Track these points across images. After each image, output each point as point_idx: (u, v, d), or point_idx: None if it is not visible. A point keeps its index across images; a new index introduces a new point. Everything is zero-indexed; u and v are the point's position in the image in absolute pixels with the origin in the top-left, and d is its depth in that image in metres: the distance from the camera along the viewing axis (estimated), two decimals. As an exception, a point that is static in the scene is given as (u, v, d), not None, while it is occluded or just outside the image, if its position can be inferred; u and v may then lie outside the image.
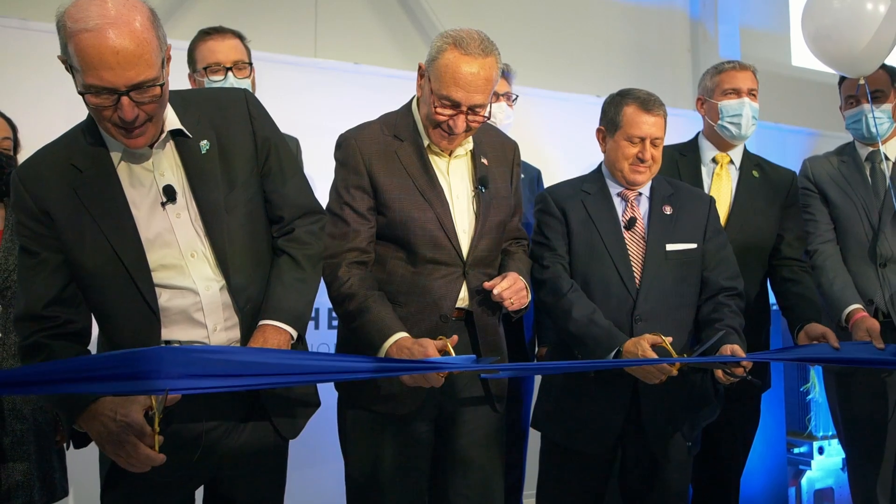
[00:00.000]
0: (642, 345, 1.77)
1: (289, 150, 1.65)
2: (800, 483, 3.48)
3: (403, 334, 1.64)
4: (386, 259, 1.79)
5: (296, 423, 1.63)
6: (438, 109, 1.70)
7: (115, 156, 1.46)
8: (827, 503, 3.48)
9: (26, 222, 1.45)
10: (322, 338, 3.10)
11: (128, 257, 1.43)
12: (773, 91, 5.23)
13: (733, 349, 1.81)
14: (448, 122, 1.70)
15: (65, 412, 1.42)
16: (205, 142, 1.50)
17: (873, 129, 2.31)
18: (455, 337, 1.63)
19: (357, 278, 1.72)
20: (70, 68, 1.34)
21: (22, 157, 2.05)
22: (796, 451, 3.52)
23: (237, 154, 1.53)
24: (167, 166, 1.48)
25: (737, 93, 2.33)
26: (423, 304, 1.75)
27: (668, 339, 1.76)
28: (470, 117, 1.70)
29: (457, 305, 1.78)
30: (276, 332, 1.50)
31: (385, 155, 1.78)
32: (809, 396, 3.50)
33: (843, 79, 2.42)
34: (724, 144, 2.39)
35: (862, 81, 2.28)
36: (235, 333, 1.52)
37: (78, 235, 1.44)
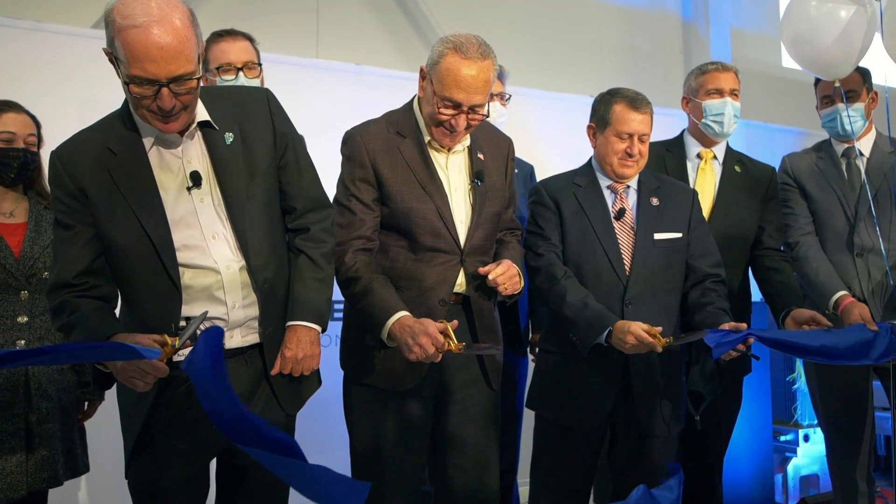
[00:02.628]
0: (631, 325, 1.88)
1: (304, 146, 1.77)
2: (786, 470, 3.58)
3: (405, 313, 1.75)
4: (389, 247, 1.90)
5: (298, 400, 1.75)
6: (441, 110, 1.81)
7: (148, 141, 1.57)
8: (812, 489, 3.58)
9: (63, 198, 1.56)
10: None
11: (155, 235, 1.54)
12: (763, 91, 5.34)
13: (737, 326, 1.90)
14: (450, 122, 1.82)
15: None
16: (229, 134, 1.62)
17: (848, 128, 2.42)
18: (455, 322, 1.73)
19: (362, 263, 1.83)
20: (114, 60, 1.46)
21: (44, 153, 2.15)
22: (782, 438, 3.62)
23: (258, 147, 1.65)
24: (194, 154, 1.60)
25: (719, 93, 2.44)
26: (423, 289, 1.86)
27: (658, 329, 1.87)
28: (470, 116, 1.82)
29: (455, 291, 1.89)
30: (306, 331, 1.66)
31: (388, 150, 1.89)
32: (795, 386, 3.61)
33: (818, 80, 2.52)
34: (707, 141, 2.50)
35: (837, 84, 2.39)
36: (253, 311, 1.63)
37: (110, 212, 1.55)
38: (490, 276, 1.83)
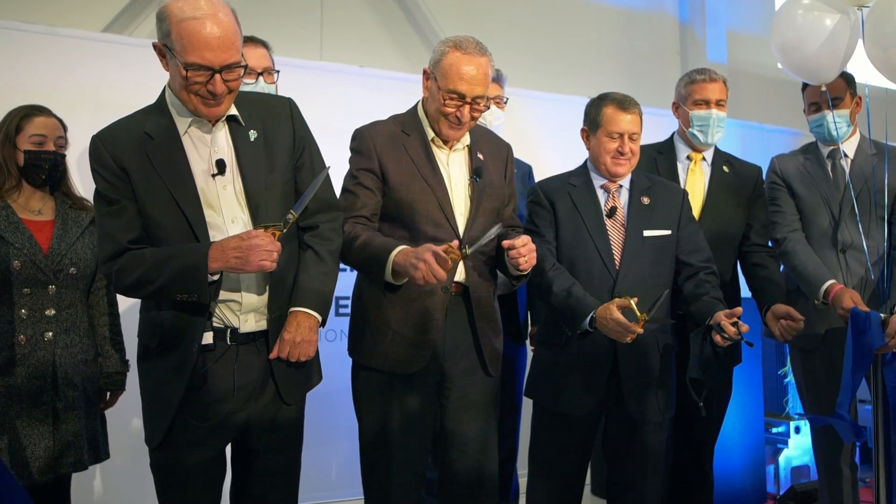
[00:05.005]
0: (610, 308, 1.99)
1: (319, 151, 1.91)
2: (777, 461, 3.67)
3: (405, 246, 1.86)
4: (392, 238, 1.99)
5: (298, 391, 1.85)
6: (447, 103, 1.96)
7: (181, 129, 1.71)
8: (803, 479, 3.68)
9: (106, 176, 1.68)
10: (330, 325, 3.31)
11: (188, 210, 1.67)
12: (758, 92, 5.42)
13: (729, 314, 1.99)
14: (456, 114, 1.96)
15: (195, 266, 1.62)
16: (253, 132, 1.76)
17: (833, 133, 2.53)
18: (455, 241, 1.83)
19: (361, 227, 1.96)
20: (167, 51, 1.62)
21: (70, 155, 2.26)
22: (774, 430, 3.71)
23: (278, 145, 1.79)
24: (221, 145, 1.74)
25: (706, 104, 2.56)
26: None
27: (634, 300, 1.97)
28: (473, 107, 1.97)
29: (455, 279, 2.00)
30: (306, 318, 1.77)
31: (394, 146, 2.01)
32: (786, 379, 3.70)
33: (805, 86, 2.63)
34: (695, 145, 2.62)
35: (823, 88, 2.51)
36: (264, 296, 1.75)
37: (148, 190, 1.68)
38: (511, 247, 1.92)
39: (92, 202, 1.83)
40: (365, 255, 1.91)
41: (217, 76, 1.61)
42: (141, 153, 1.68)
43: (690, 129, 2.58)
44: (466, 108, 1.95)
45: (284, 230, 1.67)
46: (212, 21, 1.59)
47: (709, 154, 2.63)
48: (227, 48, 1.60)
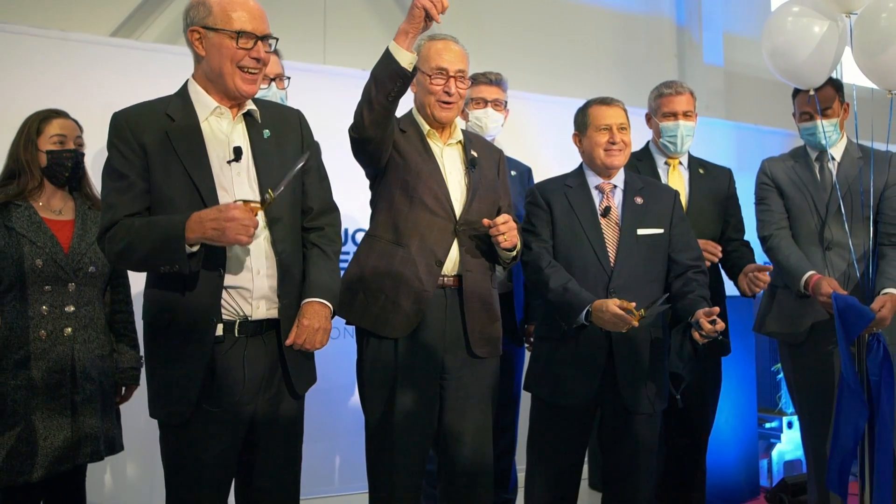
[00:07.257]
0: (607, 302, 2.09)
1: (321, 158, 2.02)
2: (770, 455, 3.76)
3: None
4: (392, 205, 2.12)
5: (305, 384, 1.93)
6: (434, 82, 2.12)
7: (202, 116, 1.81)
8: (796, 473, 3.77)
9: (123, 150, 1.75)
10: (333, 323, 3.37)
11: (204, 190, 1.75)
12: (754, 94, 5.49)
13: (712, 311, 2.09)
14: (444, 89, 2.12)
15: (173, 237, 1.66)
16: (266, 130, 1.87)
17: (824, 141, 2.64)
18: None
19: None
20: (208, 31, 1.74)
21: (86, 155, 2.33)
22: (767, 425, 3.79)
23: (289, 145, 1.90)
24: (237, 136, 1.83)
25: (674, 116, 2.70)
26: (421, 247, 2.08)
27: (632, 304, 2.06)
28: (458, 83, 2.13)
29: (447, 267, 2.09)
30: (322, 307, 1.85)
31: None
32: (779, 376, 3.77)
33: (796, 92, 2.73)
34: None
35: (812, 93, 2.60)
36: (273, 282, 1.82)
37: (165, 168, 1.75)
38: (489, 222, 2.05)
39: None
40: (371, 81, 1.95)
41: (260, 43, 1.77)
42: (161, 132, 1.76)
43: (662, 140, 2.73)
44: (452, 82, 2.12)
45: (263, 207, 1.74)
46: None
47: (684, 159, 2.78)
48: (265, 19, 1.79)
